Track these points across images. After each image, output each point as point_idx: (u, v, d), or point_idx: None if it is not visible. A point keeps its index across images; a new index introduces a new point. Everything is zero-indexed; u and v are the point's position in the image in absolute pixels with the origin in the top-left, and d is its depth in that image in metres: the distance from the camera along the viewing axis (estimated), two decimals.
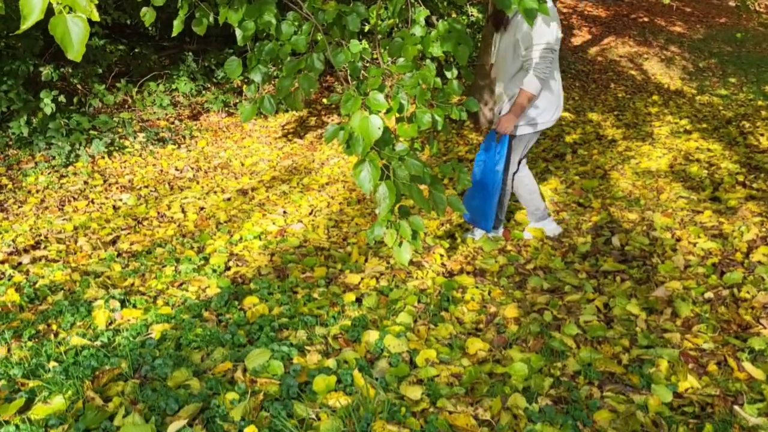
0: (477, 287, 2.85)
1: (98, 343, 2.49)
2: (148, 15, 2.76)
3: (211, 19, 2.97)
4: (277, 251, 3.57)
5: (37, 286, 3.22)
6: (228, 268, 3.36)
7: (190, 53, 7.72)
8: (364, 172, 2.24)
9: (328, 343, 2.37)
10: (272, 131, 7.05)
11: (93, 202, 4.94)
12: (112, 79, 7.26)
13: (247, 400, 1.97)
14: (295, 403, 1.95)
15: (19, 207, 4.82)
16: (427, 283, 2.91)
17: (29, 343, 2.51)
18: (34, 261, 3.67)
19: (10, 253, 3.81)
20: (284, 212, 4.53)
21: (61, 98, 6.27)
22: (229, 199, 4.93)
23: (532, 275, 3.03)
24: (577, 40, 11.43)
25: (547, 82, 3.25)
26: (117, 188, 5.29)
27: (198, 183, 5.46)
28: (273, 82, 8.02)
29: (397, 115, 2.42)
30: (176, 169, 5.82)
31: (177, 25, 2.97)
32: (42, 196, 5.06)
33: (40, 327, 2.69)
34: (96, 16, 1.61)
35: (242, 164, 5.97)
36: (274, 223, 4.22)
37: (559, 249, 3.37)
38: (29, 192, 5.13)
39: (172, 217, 4.55)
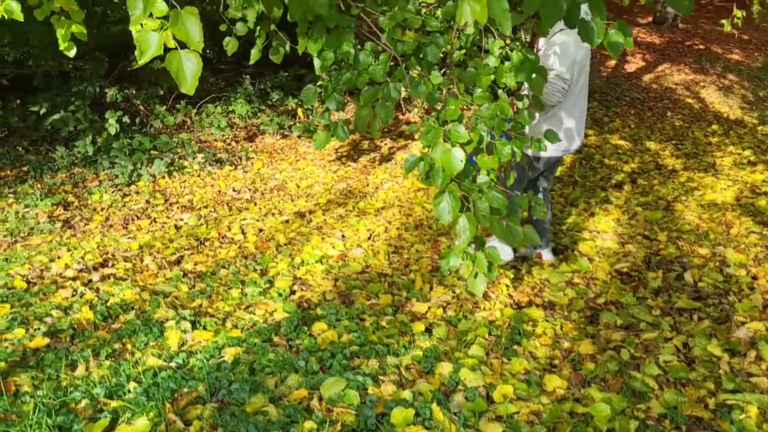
0: (548, 320, 2.80)
1: (173, 364, 2.52)
2: (231, 45, 2.83)
3: (288, 47, 3.03)
4: (340, 276, 3.58)
5: (108, 304, 3.29)
6: (293, 292, 3.38)
7: (248, 76, 7.88)
8: (443, 203, 2.23)
9: (401, 373, 2.35)
10: (326, 154, 7.12)
11: (155, 221, 5.05)
12: (172, 101, 7.46)
13: (326, 430, 1.96)
14: None
15: (85, 224, 4.96)
16: (495, 314, 2.87)
17: (107, 362, 2.56)
18: (103, 279, 3.76)
19: (80, 270, 3.91)
20: (343, 236, 4.55)
21: (125, 119, 6.46)
22: (287, 222, 4.98)
23: (604, 310, 2.96)
24: (630, 67, 11.29)
25: (556, 113, 3.33)
26: (178, 208, 5.40)
27: (255, 204, 5.53)
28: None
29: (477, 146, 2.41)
30: (234, 190, 5.92)
31: (254, 54, 3.03)
32: (107, 214, 5.19)
33: (116, 346, 2.74)
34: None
35: (298, 186, 6.04)
36: (333, 247, 4.24)
37: (629, 283, 3.29)
38: (94, 210, 5.27)
39: (232, 239, 4.61)
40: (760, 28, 15.29)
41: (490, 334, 2.64)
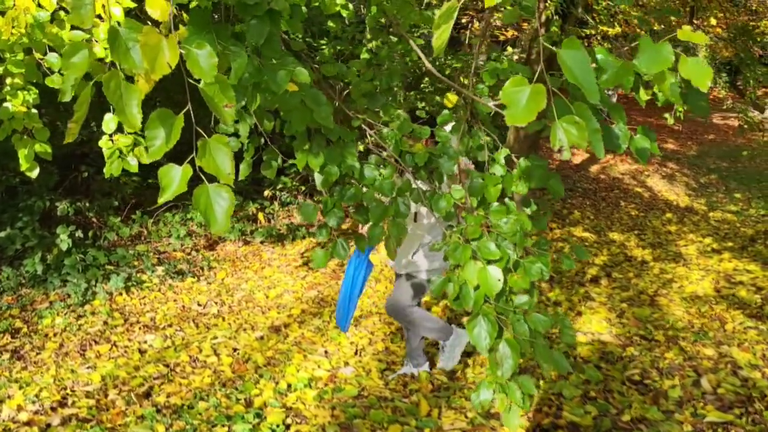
0: None
1: None
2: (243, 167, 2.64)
3: (279, 161, 2.87)
4: (336, 403, 3.28)
5: None
6: (287, 426, 3.05)
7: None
8: (478, 328, 2.04)
9: None
10: (291, 259, 6.87)
11: (116, 346, 4.63)
12: (127, 212, 7.14)
13: None
14: None
15: (37, 354, 4.49)
16: None
17: None
18: (64, 422, 3.33)
19: (36, 412, 3.47)
20: (326, 352, 4.25)
21: (78, 233, 6.09)
22: (262, 338, 4.65)
23: (634, 430, 2.77)
24: (576, 159, 11.66)
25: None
26: (140, 328, 5.00)
27: (224, 320, 5.19)
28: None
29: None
30: (199, 305, 5.56)
31: (244, 169, 2.85)
32: (60, 339, 4.74)
33: None
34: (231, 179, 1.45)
35: (266, 296, 5.74)
36: (319, 366, 3.94)
37: (647, 394, 3.12)
38: (46, 336, 4.82)
39: (205, 362, 4.25)
40: (687, 118, 16.28)
41: None
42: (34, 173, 3.18)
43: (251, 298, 5.71)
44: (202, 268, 6.43)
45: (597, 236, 7.25)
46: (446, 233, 2.28)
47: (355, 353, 4.20)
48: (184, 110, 1.31)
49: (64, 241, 5.81)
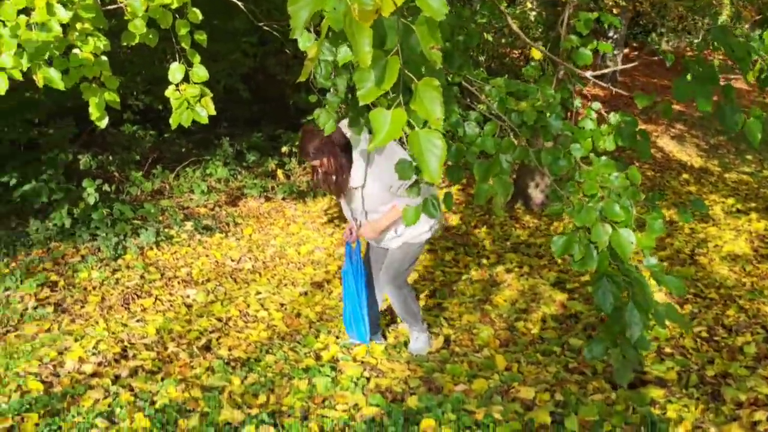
0: (672, 401, 2.61)
1: None
2: (322, 117, 2.57)
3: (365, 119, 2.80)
4: (409, 358, 3.29)
5: (156, 406, 2.87)
6: (367, 380, 3.06)
7: (227, 137, 7.55)
8: (602, 290, 2.03)
9: None
10: (315, 216, 6.82)
11: (159, 300, 4.60)
12: (148, 166, 7.01)
13: None
14: None
15: (81, 307, 4.45)
16: (611, 395, 2.66)
17: None
18: (132, 374, 3.31)
19: (99, 364, 3.44)
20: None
21: (105, 187, 5.98)
22: (306, 294, 4.64)
23: (723, 385, 2.81)
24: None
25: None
26: (177, 282, 4.96)
27: (261, 275, 5.16)
28: None
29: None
30: (232, 260, 5.52)
31: (329, 126, 2.76)
32: (101, 293, 4.69)
33: None
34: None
35: (298, 253, 5.71)
36: None
37: (722, 351, 3.17)
38: (85, 289, 4.76)
39: (255, 316, 4.23)
40: None
41: (626, 423, 2.42)
42: (104, 123, 3.09)
43: (283, 254, 5.68)
44: (227, 224, 6.36)
45: None
46: (563, 192, 2.25)
47: None
48: (393, 51, 1.25)
49: (90, 194, 5.70)
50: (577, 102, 3.24)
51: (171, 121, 3.15)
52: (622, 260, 2.09)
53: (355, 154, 3.09)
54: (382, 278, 3.51)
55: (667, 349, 3.20)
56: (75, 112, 6.89)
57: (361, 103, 1.31)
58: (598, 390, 2.82)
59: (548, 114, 2.41)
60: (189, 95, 3.15)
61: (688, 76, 2.04)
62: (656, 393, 2.65)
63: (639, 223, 2.29)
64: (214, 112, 3.17)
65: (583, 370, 3.05)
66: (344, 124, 3.04)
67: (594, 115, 2.74)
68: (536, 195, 6.67)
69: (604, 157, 2.41)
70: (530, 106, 2.39)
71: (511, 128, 2.36)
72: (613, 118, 2.70)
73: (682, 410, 2.51)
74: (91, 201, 5.68)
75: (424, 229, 3.24)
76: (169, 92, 3.16)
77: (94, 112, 3.03)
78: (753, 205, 6.58)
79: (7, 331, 4.00)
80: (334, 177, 3.11)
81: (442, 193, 2.59)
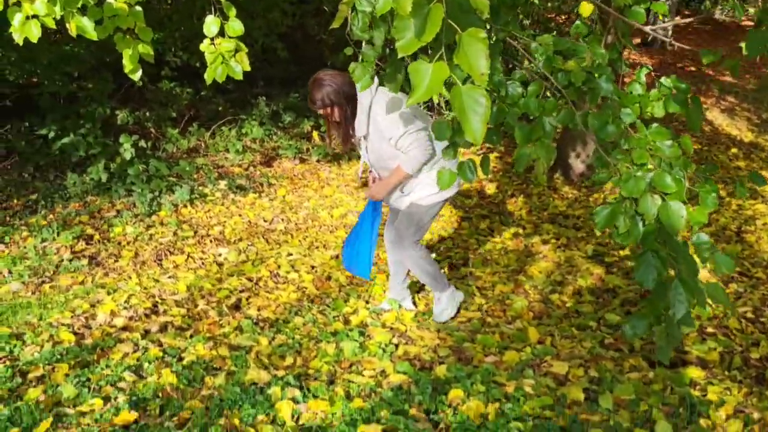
0: (712, 383, 2.50)
1: None
2: (358, 71, 2.46)
3: (404, 74, 2.68)
4: (439, 326, 3.23)
5: (184, 363, 2.87)
6: (396, 346, 3.01)
7: (264, 97, 7.49)
8: (646, 265, 1.92)
9: None
10: (350, 179, 6.75)
11: (191, 257, 4.61)
12: (184, 124, 7.00)
13: None
14: None
15: (115, 261, 4.49)
16: (648, 374, 2.55)
17: None
18: (161, 329, 3.33)
19: (130, 318, 3.46)
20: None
21: (142, 143, 5.99)
22: (337, 257, 4.59)
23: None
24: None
25: (438, 159, 3.14)
26: (210, 241, 4.96)
27: (293, 237, 5.13)
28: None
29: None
30: (264, 220, 5.50)
31: (365, 82, 2.65)
32: (134, 248, 4.72)
33: (221, 421, 2.33)
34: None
35: (331, 216, 5.65)
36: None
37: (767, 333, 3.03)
38: (119, 244, 4.80)
39: (286, 277, 4.21)
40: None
41: (664, 403, 2.33)
42: (137, 75, 3.03)
43: (316, 217, 5.63)
44: (261, 185, 6.34)
45: None
46: (610, 160, 2.12)
47: None
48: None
49: (127, 150, 5.72)
50: (625, 66, 3.06)
51: (205, 76, 3.08)
52: (669, 235, 1.97)
53: (359, 106, 3.12)
54: (386, 237, 3.52)
55: (709, 329, 3.07)
56: (113, 66, 6.90)
57: (399, 56, 1.21)
58: (635, 368, 2.71)
59: (597, 75, 2.26)
60: (224, 49, 3.07)
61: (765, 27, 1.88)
62: (696, 374, 2.53)
63: (689, 197, 2.16)
64: (249, 68, 3.08)
65: (619, 347, 2.95)
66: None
67: (643, 80, 2.58)
68: (577, 165, 6.47)
69: (655, 124, 2.26)
70: (578, 66, 2.25)
71: (558, 90, 2.23)
72: (665, 82, 2.53)
73: (724, 393, 2.40)
74: (128, 156, 5.70)
75: (431, 191, 3.16)
76: (204, 46, 3.08)
77: (127, 65, 2.97)
78: None
79: (42, 282, 4.05)
80: (339, 128, 3.19)
81: (469, 160, 2.47)
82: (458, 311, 3.45)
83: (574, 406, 2.34)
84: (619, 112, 2.22)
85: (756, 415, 2.27)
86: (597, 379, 2.62)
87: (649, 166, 2.07)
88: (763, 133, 9.20)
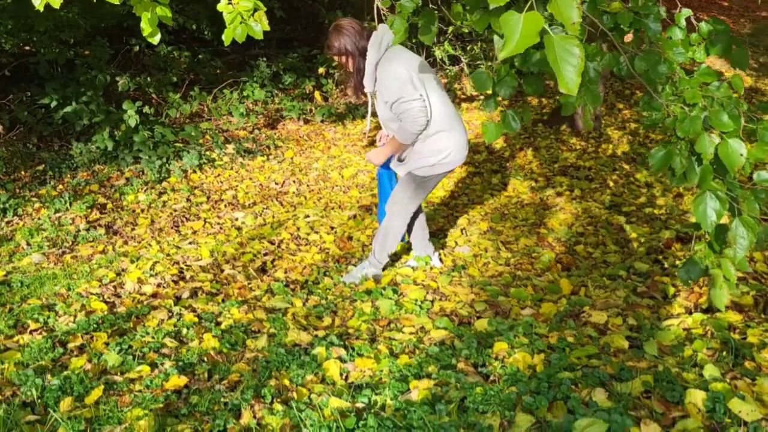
0: (750, 326, 2.53)
1: (360, 404, 2.16)
2: (396, 25, 2.41)
3: (437, 25, 2.63)
4: (473, 282, 3.24)
5: (222, 327, 2.87)
6: (431, 302, 3.03)
7: (264, 58, 7.36)
8: (704, 205, 1.92)
9: (652, 407, 2.02)
10: (356, 139, 6.70)
11: (208, 222, 4.59)
12: (185, 88, 6.89)
13: None
14: None
15: (132, 229, 4.46)
16: (686, 321, 2.59)
17: (278, 406, 2.17)
18: (192, 295, 3.32)
19: (159, 285, 3.45)
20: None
21: (146, 109, 5.90)
22: (355, 217, 4.59)
23: None
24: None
25: (438, 130, 3.11)
26: (224, 205, 4.94)
27: (306, 199, 5.11)
28: None
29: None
30: (276, 183, 5.47)
31: (401, 35, 2.61)
32: (149, 215, 4.69)
33: (271, 383, 2.35)
34: None
35: (342, 176, 5.63)
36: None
37: None
38: (134, 212, 4.77)
39: (307, 239, 4.20)
40: None
41: (707, 348, 2.36)
42: (156, 39, 2.95)
43: (326, 178, 5.61)
44: (268, 147, 6.29)
45: None
46: (662, 101, 2.11)
47: (462, 232, 4.14)
48: None
49: (131, 116, 5.63)
50: (662, 10, 3.01)
51: (224, 36, 3.01)
52: (725, 174, 1.97)
53: (367, 63, 3.11)
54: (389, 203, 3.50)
55: (738, 274, 3.10)
56: (108, 32, 6.74)
57: (491, 7, 1.17)
58: (671, 315, 2.75)
59: (644, 16, 2.22)
60: (242, 9, 3.00)
61: None
62: (734, 317, 2.57)
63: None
64: (268, 28, 3.01)
65: (653, 294, 2.98)
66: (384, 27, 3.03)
67: (683, 23, 2.54)
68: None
69: (704, 65, 2.24)
70: (624, 7, 2.21)
71: (604, 33, 2.19)
72: (704, 25, 2.50)
73: (764, 335, 2.44)
74: (132, 123, 5.61)
75: (425, 163, 3.16)
76: (222, 6, 3.00)
77: (146, 28, 2.89)
78: None
79: (63, 252, 4.03)
80: (351, 77, 3.21)
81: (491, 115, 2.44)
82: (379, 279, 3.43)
83: (619, 353, 2.38)
84: (664, 54, 2.19)
85: None
86: (636, 327, 2.65)
87: (702, 106, 2.06)
88: (762, 77, 9.17)
